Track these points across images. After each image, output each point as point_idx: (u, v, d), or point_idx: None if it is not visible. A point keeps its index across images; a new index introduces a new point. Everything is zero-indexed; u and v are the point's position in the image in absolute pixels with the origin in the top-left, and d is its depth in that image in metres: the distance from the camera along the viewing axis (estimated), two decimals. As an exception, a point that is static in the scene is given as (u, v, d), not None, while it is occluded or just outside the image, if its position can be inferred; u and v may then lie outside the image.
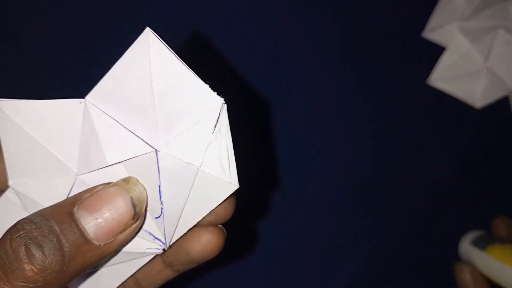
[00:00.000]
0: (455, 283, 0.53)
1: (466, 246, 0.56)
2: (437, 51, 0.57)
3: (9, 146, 0.27)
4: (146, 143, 0.26)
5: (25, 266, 0.23)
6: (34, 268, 0.23)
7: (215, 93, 0.26)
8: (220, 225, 0.30)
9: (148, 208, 0.27)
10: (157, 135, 0.26)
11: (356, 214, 0.57)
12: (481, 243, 0.54)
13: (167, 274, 0.32)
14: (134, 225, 0.26)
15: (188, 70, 0.25)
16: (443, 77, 0.57)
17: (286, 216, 0.56)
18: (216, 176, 0.26)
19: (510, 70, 0.55)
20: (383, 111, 0.57)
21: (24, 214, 0.25)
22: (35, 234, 0.23)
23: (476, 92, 0.57)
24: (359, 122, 0.57)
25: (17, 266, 0.22)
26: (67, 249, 0.23)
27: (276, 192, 0.56)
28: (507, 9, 0.55)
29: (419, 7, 0.58)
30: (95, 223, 0.24)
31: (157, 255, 0.29)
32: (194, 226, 0.28)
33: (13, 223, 0.24)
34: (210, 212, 0.28)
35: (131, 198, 0.26)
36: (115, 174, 0.27)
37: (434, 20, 0.57)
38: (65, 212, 0.24)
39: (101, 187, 0.26)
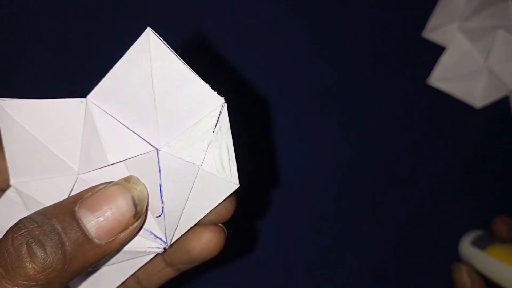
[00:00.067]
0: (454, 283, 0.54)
1: (466, 246, 0.56)
2: (437, 51, 0.57)
3: (11, 145, 0.27)
4: (147, 142, 0.26)
5: (27, 264, 0.23)
6: (35, 267, 0.23)
7: (216, 92, 0.26)
8: (220, 224, 0.30)
9: (149, 207, 0.27)
10: (158, 134, 0.26)
11: (356, 214, 0.57)
12: (481, 243, 0.54)
13: (168, 273, 0.32)
14: (135, 224, 0.26)
15: (188, 69, 0.25)
16: (443, 77, 0.57)
17: (286, 215, 0.56)
18: (216, 175, 0.27)
19: (510, 70, 0.55)
20: (383, 111, 0.57)
21: (26, 213, 0.25)
22: (37, 232, 0.23)
23: (476, 92, 0.57)
24: (359, 122, 0.57)
25: (19, 265, 0.23)
26: (69, 248, 0.24)
27: (276, 191, 0.56)
28: (507, 9, 0.55)
29: (419, 7, 0.58)
30: (96, 222, 0.24)
31: (158, 254, 0.29)
32: (195, 225, 0.28)
33: (15, 222, 0.24)
34: (211, 211, 0.28)
35: (132, 197, 0.26)
36: (116, 173, 0.27)
37: (434, 20, 0.57)
38: (67, 211, 0.24)
39: (102, 186, 0.26)
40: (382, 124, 0.57)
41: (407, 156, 0.58)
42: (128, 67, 0.26)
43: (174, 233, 0.28)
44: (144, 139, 0.26)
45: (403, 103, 0.58)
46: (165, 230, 0.28)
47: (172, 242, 0.28)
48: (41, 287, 0.23)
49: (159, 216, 0.27)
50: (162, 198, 0.27)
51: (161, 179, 0.26)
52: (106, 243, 0.25)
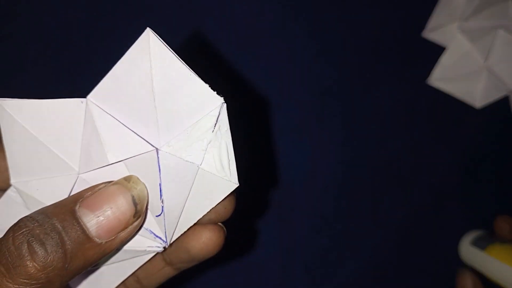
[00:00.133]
0: (455, 284, 0.54)
1: (466, 246, 0.56)
2: (437, 51, 0.57)
3: (12, 145, 0.27)
4: (147, 142, 0.26)
5: (28, 263, 0.23)
6: (36, 265, 0.23)
7: (215, 92, 0.26)
8: (220, 223, 0.30)
9: (149, 207, 0.28)
10: (158, 134, 0.26)
11: (356, 214, 0.57)
12: (481, 243, 0.54)
13: (168, 272, 0.33)
14: (135, 223, 0.26)
15: (188, 70, 0.25)
16: (443, 77, 0.57)
17: (286, 214, 0.56)
18: (216, 175, 0.27)
19: (510, 70, 0.55)
20: (382, 111, 0.57)
21: (26, 213, 0.25)
22: (38, 231, 0.23)
23: (476, 92, 0.57)
24: (359, 122, 0.57)
25: (19, 263, 0.23)
26: (69, 247, 0.24)
27: (276, 191, 0.56)
28: (507, 9, 0.55)
29: (419, 7, 0.58)
30: (96, 221, 0.25)
31: (157, 253, 0.29)
32: (195, 224, 0.28)
33: (15, 221, 0.24)
34: (210, 210, 0.28)
35: (132, 197, 0.26)
36: (116, 173, 0.27)
37: (434, 20, 0.57)
38: (67, 210, 0.24)
39: (102, 185, 0.26)
40: (382, 124, 0.57)
41: (407, 156, 0.58)
42: (128, 67, 0.26)
43: (173, 232, 0.28)
44: (144, 139, 0.26)
45: (403, 103, 0.58)
46: (165, 229, 0.28)
47: (171, 241, 0.29)
48: (41, 285, 0.23)
49: (159, 215, 0.27)
50: (162, 198, 0.27)
51: (161, 178, 0.27)
52: (106, 242, 0.25)
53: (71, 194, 0.28)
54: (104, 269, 0.30)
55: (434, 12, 0.57)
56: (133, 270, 0.30)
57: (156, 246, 0.29)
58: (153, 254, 0.29)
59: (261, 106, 0.56)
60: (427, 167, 0.58)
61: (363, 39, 0.57)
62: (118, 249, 0.28)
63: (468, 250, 0.55)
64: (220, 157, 0.27)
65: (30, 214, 0.24)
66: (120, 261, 0.29)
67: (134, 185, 0.26)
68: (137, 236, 0.28)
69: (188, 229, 0.28)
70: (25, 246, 0.23)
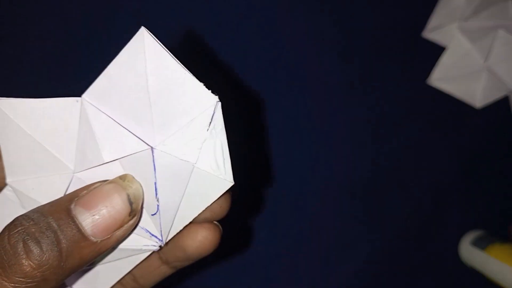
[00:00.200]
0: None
1: (466, 246, 0.56)
2: (437, 51, 0.57)
3: (7, 144, 0.27)
4: (142, 140, 0.26)
5: (23, 261, 0.23)
6: (32, 264, 0.23)
7: (210, 91, 0.26)
8: (216, 222, 0.31)
9: (144, 205, 0.28)
10: (153, 133, 0.26)
11: (356, 214, 0.57)
12: (481, 243, 0.54)
13: (164, 270, 0.33)
14: (131, 222, 0.26)
15: (183, 68, 0.25)
16: (443, 77, 0.57)
17: (283, 213, 0.56)
18: (211, 173, 0.27)
19: (510, 70, 0.55)
20: (383, 111, 0.57)
21: (22, 212, 0.25)
22: (33, 230, 0.23)
23: (476, 92, 0.57)
24: (359, 122, 0.57)
25: (15, 262, 0.23)
26: (65, 245, 0.24)
27: (276, 191, 0.56)
28: (507, 9, 0.55)
29: (419, 7, 0.58)
30: (92, 219, 0.25)
31: (153, 252, 0.29)
32: (190, 223, 0.28)
33: (11, 220, 0.24)
34: (206, 208, 0.28)
35: (128, 195, 0.26)
36: (112, 172, 0.27)
37: (434, 20, 0.57)
38: (63, 209, 0.25)
39: (97, 184, 0.26)
40: (382, 124, 0.57)
41: (407, 156, 0.58)
42: (123, 66, 0.26)
43: (169, 231, 0.28)
44: (139, 138, 0.26)
45: (403, 103, 0.58)
46: (161, 228, 0.28)
47: (167, 240, 0.29)
48: (37, 284, 0.23)
49: (155, 214, 0.27)
50: (157, 196, 0.27)
51: (156, 177, 0.27)
52: (101, 240, 0.25)
53: (66, 193, 0.28)
54: (100, 268, 0.30)
55: (434, 12, 0.57)
56: (129, 269, 0.30)
57: (152, 245, 0.29)
58: (149, 253, 0.29)
59: (256, 104, 0.56)
60: (427, 167, 0.58)
61: (363, 39, 0.57)
62: (113, 247, 0.28)
63: (468, 250, 0.55)
64: (215, 155, 0.27)
65: (26, 213, 0.24)
66: (116, 260, 0.29)
67: (129, 184, 0.27)
68: (132, 235, 0.28)
69: (184, 228, 0.28)
70: (21, 244, 0.23)
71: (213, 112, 0.26)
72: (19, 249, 0.23)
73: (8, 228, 0.24)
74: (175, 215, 0.28)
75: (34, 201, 0.28)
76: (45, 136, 0.27)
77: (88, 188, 0.26)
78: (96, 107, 0.26)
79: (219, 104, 0.26)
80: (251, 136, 0.56)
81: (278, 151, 0.56)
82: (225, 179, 0.27)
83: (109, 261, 0.29)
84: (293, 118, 0.56)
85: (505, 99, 0.57)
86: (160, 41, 0.25)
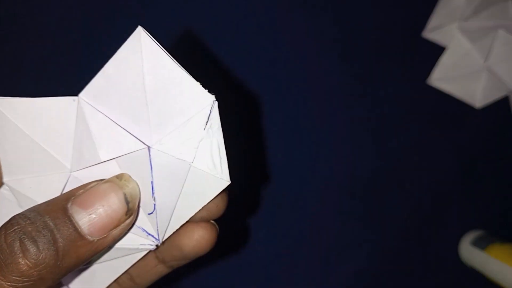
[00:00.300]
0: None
1: (466, 246, 0.56)
2: (437, 51, 0.57)
3: (4, 143, 0.27)
4: (139, 140, 0.26)
5: (20, 260, 0.23)
6: (28, 263, 0.23)
7: (206, 90, 0.26)
8: (212, 221, 0.31)
9: (141, 204, 0.28)
10: (150, 132, 0.27)
11: (356, 214, 0.57)
12: (481, 243, 0.54)
13: (161, 270, 0.33)
14: (127, 221, 0.26)
15: (179, 68, 0.25)
16: (443, 77, 0.57)
17: (284, 213, 0.56)
18: (208, 172, 0.27)
19: (510, 70, 0.55)
20: (383, 111, 0.57)
21: (19, 211, 0.25)
22: (30, 229, 0.23)
23: (476, 92, 0.57)
24: (359, 122, 0.57)
25: (11, 261, 0.23)
26: (61, 244, 0.24)
27: (274, 190, 0.56)
28: (507, 9, 0.55)
29: (419, 7, 0.58)
30: (88, 218, 0.25)
31: (150, 251, 0.29)
32: (187, 222, 0.28)
33: (7, 219, 0.24)
34: (203, 208, 0.28)
35: (124, 194, 0.26)
36: (108, 171, 0.27)
37: (434, 20, 0.57)
38: (59, 208, 0.25)
39: (94, 183, 0.26)
40: (382, 124, 0.57)
41: (407, 156, 0.58)
42: (120, 65, 0.26)
43: (166, 230, 0.28)
44: (135, 137, 0.26)
45: (403, 103, 0.58)
46: (157, 227, 0.28)
47: (164, 239, 0.29)
48: (33, 283, 0.23)
49: (151, 213, 0.28)
50: (154, 195, 0.27)
51: (153, 176, 0.27)
52: (98, 239, 0.25)
53: (63, 192, 0.28)
54: (97, 267, 0.30)
55: (434, 12, 0.57)
56: (126, 268, 0.30)
57: (148, 244, 0.29)
58: (145, 252, 0.30)
59: (256, 104, 0.56)
60: (427, 167, 0.58)
61: (363, 39, 0.57)
62: (110, 247, 0.28)
63: (468, 250, 0.55)
64: (212, 154, 0.27)
65: (23, 212, 0.24)
66: (112, 259, 0.29)
67: (126, 183, 0.27)
68: (129, 234, 0.28)
69: (181, 227, 0.28)
70: (17, 243, 0.23)
71: (209, 112, 0.26)
72: (16, 248, 0.23)
73: (5, 227, 0.24)
74: (172, 214, 0.28)
75: (31, 200, 0.28)
76: (42, 135, 0.27)
77: (85, 187, 0.26)
78: (93, 106, 0.26)
79: (216, 103, 0.26)
80: (251, 136, 0.56)
81: (278, 150, 0.56)
82: (221, 178, 0.27)
83: (106, 260, 0.29)
84: (293, 118, 0.56)
85: (505, 99, 0.57)
86: (159, 40, 0.25)
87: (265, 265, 0.55)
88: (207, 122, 0.26)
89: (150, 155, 0.26)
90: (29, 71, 0.53)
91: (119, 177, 0.27)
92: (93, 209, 0.25)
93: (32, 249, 0.23)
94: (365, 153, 0.57)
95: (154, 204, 0.27)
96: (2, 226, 0.24)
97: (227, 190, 0.27)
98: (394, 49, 0.58)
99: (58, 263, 0.24)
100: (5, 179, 0.28)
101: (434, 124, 0.58)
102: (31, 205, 0.25)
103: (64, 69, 0.54)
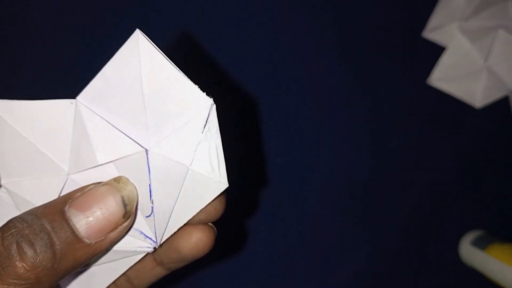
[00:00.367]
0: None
1: (466, 246, 0.56)
2: (437, 51, 0.57)
3: (1, 145, 0.27)
4: (137, 143, 0.26)
5: (17, 263, 0.23)
6: (25, 266, 0.23)
7: (205, 93, 0.26)
8: (210, 223, 0.31)
9: (139, 207, 0.28)
10: (148, 135, 0.27)
11: (356, 214, 0.57)
12: (481, 243, 0.54)
13: (159, 272, 0.33)
14: (125, 224, 0.26)
15: (177, 71, 0.25)
16: (443, 77, 0.57)
17: (284, 213, 0.56)
18: (205, 175, 0.27)
19: (510, 70, 0.55)
20: (383, 111, 0.57)
21: (16, 213, 0.25)
22: (27, 232, 0.23)
23: (476, 92, 0.57)
24: (359, 122, 0.57)
25: (8, 264, 0.23)
26: (58, 247, 0.24)
27: (274, 190, 0.56)
28: (507, 9, 0.55)
29: (419, 7, 0.58)
30: (86, 221, 0.25)
31: (148, 253, 0.29)
32: (185, 224, 0.28)
33: (5, 222, 0.24)
34: (200, 210, 0.28)
35: (122, 197, 0.26)
36: (106, 174, 0.27)
37: (434, 20, 0.57)
38: (57, 210, 0.25)
39: (92, 186, 0.26)
40: (382, 124, 0.57)
41: (407, 156, 0.58)
42: (118, 68, 0.26)
43: (164, 233, 0.28)
44: (133, 140, 0.26)
45: (403, 103, 0.58)
46: (155, 229, 0.28)
47: (162, 242, 0.29)
48: (31, 286, 0.23)
49: (149, 216, 0.28)
50: (151, 198, 0.27)
51: (151, 179, 0.27)
52: (95, 242, 0.25)
53: (60, 195, 0.28)
54: (94, 269, 0.30)
55: (434, 12, 0.57)
56: (123, 270, 0.30)
57: (146, 247, 0.29)
58: (143, 255, 0.29)
59: (256, 104, 0.56)
60: (427, 167, 0.58)
61: (363, 39, 0.57)
62: (108, 249, 0.28)
63: (468, 250, 0.55)
64: (210, 157, 0.27)
65: (20, 214, 0.24)
66: (110, 261, 0.29)
67: (123, 186, 0.27)
68: (127, 237, 0.28)
69: (178, 230, 0.28)
70: (14, 246, 0.23)
71: (207, 114, 0.26)
72: (13, 251, 0.23)
73: (2, 230, 0.24)
74: (170, 217, 0.28)
75: (28, 203, 0.28)
76: (39, 138, 0.27)
77: (82, 190, 0.26)
78: (90, 109, 0.27)
79: (214, 106, 0.26)
80: (251, 136, 0.56)
81: (278, 151, 0.56)
82: (219, 181, 0.27)
83: (104, 263, 0.29)
84: (293, 118, 0.56)
85: (505, 99, 0.57)
86: (157, 40, 0.25)
87: (264, 265, 0.55)
88: (205, 125, 0.26)
89: (148, 158, 0.27)
90: (29, 71, 0.53)
91: (117, 180, 0.27)
92: (90, 211, 0.25)
93: (29, 252, 0.23)
94: (365, 153, 0.57)
95: (152, 207, 0.27)
96: (-1, 229, 0.24)
97: (225, 192, 0.27)
98: (394, 49, 0.58)
99: (56, 265, 0.24)
100: (2, 182, 0.28)
101: (434, 124, 0.58)
102: (29, 208, 0.25)
103: (64, 69, 0.54)
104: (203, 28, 0.55)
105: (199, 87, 0.26)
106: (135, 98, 0.26)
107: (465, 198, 0.58)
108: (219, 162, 0.27)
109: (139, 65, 0.26)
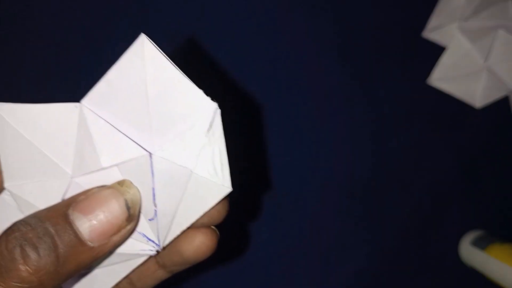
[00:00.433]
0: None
1: (466, 246, 0.56)
2: (437, 51, 0.57)
3: (5, 148, 0.27)
4: (141, 146, 0.26)
5: (20, 266, 0.23)
6: (29, 269, 0.23)
7: (209, 98, 0.26)
8: (213, 227, 0.31)
9: (142, 210, 0.28)
10: (152, 138, 0.27)
11: (356, 214, 0.57)
12: (481, 243, 0.54)
13: (161, 275, 0.33)
14: (128, 227, 0.26)
15: (182, 75, 0.26)
16: (443, 77, 0.57)
17: (284, 214, 0.56)
18: (209, 179, 0.27)
19: (510, 70, 0.55)
20: (383, 111, 0.57)
21: (20, 216, 0.25)
22: (30, 235, 0.23)
23: (476, 92, 0.57)
24: (359, 122, 0.57)
25: (12, 267, 0.23)
26: (62, 250, 0.24)
27: (275, 191, 0.56)
28: (507, 9, 0.55)
29: (419, 7, 0.58)
30: (89, 224, 0.25)
31: (150, 256, 0.29)
32: (188, 227, 0.28)
33: (8, 225, 0.24)
34: (203, 214, 0.28)
35: (125, 201, 0.26)
36: (110, 177, 0.27)
37: (434, 20, 0.57)
38: (60, 214, 0.25)
39: (95, 189, 0.26)
40: (382, 124, 0.57)
41: (407, 156, 0.58)
42: (122, 72, 0.26)
43: (166, 236, 0.28)
44: (137, 143, 0.26)
45: (403, 103, 0.58)
46: (158, 233, 0.28)
47: (165, 245, 0.29)
48: (34, 289, 0.23)
49: (152, 219, 0.28)
50: (155, 202, 0.27)
51: (154, 182, 0.27)
52: (99, 245, 0.25)
53: (64, 198, 0.28)
54: (97, 272, 0.30)
55: (434, 12, 0.57)
56: (126, 273, 0.30)
57: (149, 250, 0.29)
58: (146, 257, 0.29)
59: (256, 105, 0.56)
60: (427, 167, 0.58)
61: (363, 39, 0.57)
62: (111, 252, 0.28)
63: (468, 250, 0.55)
64: (213, 161, 0.27)
65: (23, 218, 0.24)
66: (113, 264, 0.29)
67: (127, 189, 0.27)
68: (130, 240, 0.28)
69: (181, 233, 0.28)
70: (18, 250, 0.23)
71: (212, 119, 0.26)
72: (17, 255, 0.23)
73: (6, 233, 0.24)
74: (173, 221, 0.28)
75: (32, 206, 0.28)
76: (43, 141, 0.27)
77: (86, 193, 0.26)
78: (95, 112, 0.27)
79: (219, 111, 0.26)
80: (251, 136, 0.56)
81: (278, 151, 0.56)
82: (223, 185, 0.27)
83: (106, 265, 0.29)
84: (293, 118, 0.56)
85: (505, 99, 0.57)
86: (160, 44, 0.26)
87: (264, 265, 0.55)
88: (209, 129, 0.26)
89: (151, 161, 0.27)
90: (29, 71, 0.53)
91: (120, 183, 0.27)
92: (94, 215, 0.25)
93: (32, 255, 0.23)
94: (365, 153, 0.57)
95: (155, 210, 0.27)
96: (3, 232, 0.24)
97: (228, 196, 0.28)
98: (394, 49, 0.58)
99: (59, 269, 0.24)
100: (6, 184, 0.28)
101: (434, 124, 0.58)
102: (32, 211, 0.25)
103: (64, 69, 0.53)
104: (203, 28, 0.55)
105: (203, 92, 0.26)
106: (140, 101, 0.26)
107: (465, 198, 0.58)
108: (222, 166, 0.27)
109: (144, 69, 0.26)
